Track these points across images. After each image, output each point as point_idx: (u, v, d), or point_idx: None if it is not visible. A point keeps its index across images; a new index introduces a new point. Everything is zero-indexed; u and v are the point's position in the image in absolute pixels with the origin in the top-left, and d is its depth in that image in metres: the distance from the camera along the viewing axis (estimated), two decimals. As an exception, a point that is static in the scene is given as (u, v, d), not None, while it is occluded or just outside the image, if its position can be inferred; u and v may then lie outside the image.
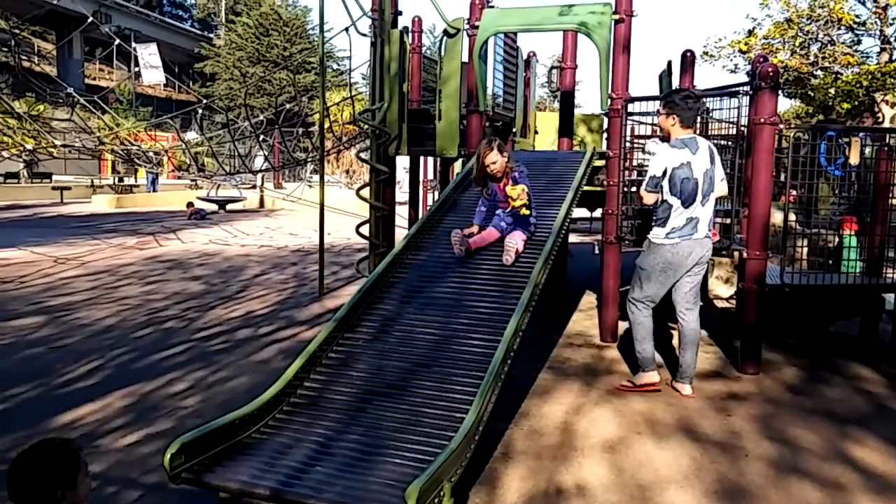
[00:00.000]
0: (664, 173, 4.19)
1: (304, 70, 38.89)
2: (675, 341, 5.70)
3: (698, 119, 4.39)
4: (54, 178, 24.54)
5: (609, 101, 5.67)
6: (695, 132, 4.36)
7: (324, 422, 3.20)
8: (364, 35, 7.15)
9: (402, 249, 4.61)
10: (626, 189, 5.39)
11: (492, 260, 4.42)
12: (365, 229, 7.10)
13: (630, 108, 5.45)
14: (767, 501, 3.08)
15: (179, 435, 2.74)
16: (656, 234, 4.32)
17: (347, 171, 27.23)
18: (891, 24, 20.09)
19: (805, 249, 5.62)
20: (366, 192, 7.07)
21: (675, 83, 7.19)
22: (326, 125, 10.97)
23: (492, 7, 6.32)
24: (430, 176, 14.74)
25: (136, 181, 25.39)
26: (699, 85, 7.10)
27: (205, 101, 16.07)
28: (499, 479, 3.21)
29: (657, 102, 5.58)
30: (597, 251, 4.85)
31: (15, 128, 11.93)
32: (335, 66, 39.48)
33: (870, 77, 18.74)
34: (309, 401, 3.38)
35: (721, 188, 4.36)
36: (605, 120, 6.01)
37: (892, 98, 19.31)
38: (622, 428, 3.84)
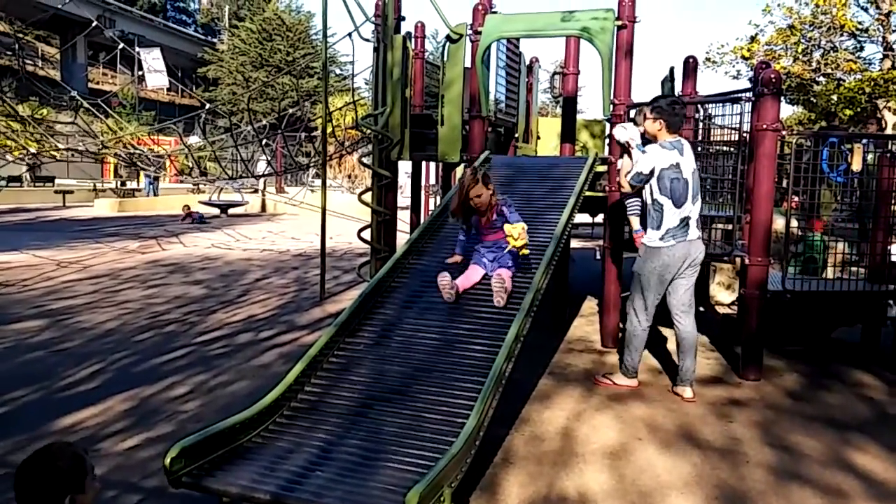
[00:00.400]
0: (652, 172, 4.27)
1: (307, 75, 38.98)
2: (670, 345, 5.70)
3: (682, 124, 4.45)
4: (57, 181, 24.57)
5: (611, 106, 5.68)
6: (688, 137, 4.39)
7: (324, 426, 3.19)
8: (367, 40, 7.17)
9: (404, 254, 4.61)
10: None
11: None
12: (367, 234, 7.11)
13: (632, 114, 5.45)
14: (769, 508, 3.07)
15: (180, 439, 2.74)
16: (651, 237, 4.35)
17: (349, 176, 27.26)
18: (893, 31, 20.09)
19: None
20: (368, 197, 7.08)
21: (678, 89, 7.20)
22: (329, 130, 10.98)
23: (495, 13, 6.34)
24: (432, 181, 14.76)
25: (138, 185, 25.44)
26: (701, 91, 7.10)
27: (208, 106, 16.10)
28: (499, 484, 3.21)
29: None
30: (598, 257, 4.84)
31: (18, 131, 11.97)
32: (338, 71, 39.56)
33: (872, 84, 18.74)
34: (310, 405, 3.38)
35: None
36: (608, 126, 6.02)
37: (894, 105, 19.30)
38: (623, 434, 3.83)
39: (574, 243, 8.05)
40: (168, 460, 2.64)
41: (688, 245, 4.30)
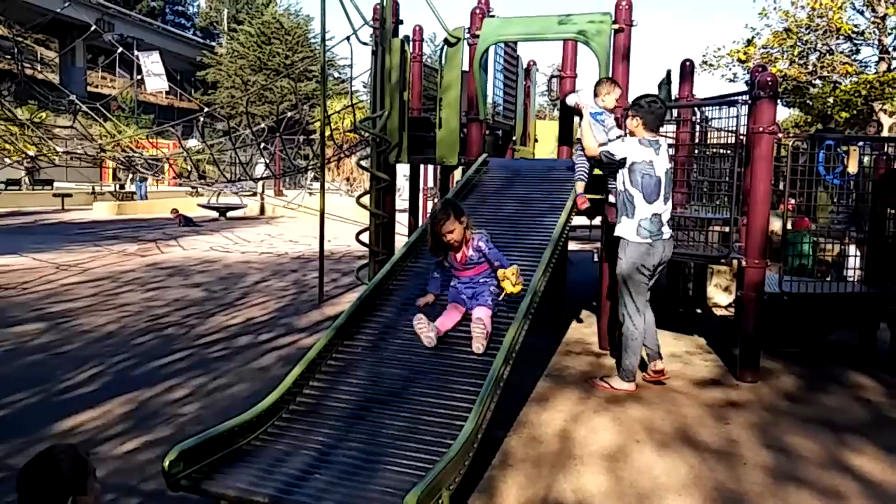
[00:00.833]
0: (623, 161, 4.43)
1: (306, 78, 38.99)
2: (667, 348, 5.71)
3: (661, 123, 4.61)
4: (56, 185, 24.57)
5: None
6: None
7: (323, 429, 3.20)
8: (365, 44, 7.19)
9: (402, 257, 4.62)
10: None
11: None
12: (365, 237, 7.12)
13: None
14: (765, 510, 3.09)
15: (179, 442, 2.75)
16: (626, 226, 4.46)
17: (348, 179, 27.27)
18: (889, 34, 20.15)
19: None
20: (366, 200, 7.09)
21: (675, 92, 7.22)
22: (327, 133, 11.00)
23: (492, 16, 6.36)
24: (430, 184, 14.77)
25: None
26: (698, 94, 7.13)
27: (206, 109, 16.10)
28: (497, 487, 3.22)
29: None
30: (596, 259, 4.86)
31: (17, 135, 11.98)
32: (336, 75, 39.58)
33: (868, 86, 18.78)
34: (308, 408, 3.39)
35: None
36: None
37: (890, 107, 19.34)
38: (621, 436, 3.84)
39: (572, 245, 8.07)
40: (167, 463, 2.64)
41: (664, 244, 4.49)
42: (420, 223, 7.13)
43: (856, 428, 4.05)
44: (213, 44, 50.82)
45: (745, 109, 4.90)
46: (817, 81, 20.77)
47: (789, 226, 5.67)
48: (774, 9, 21.06)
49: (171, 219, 16.64)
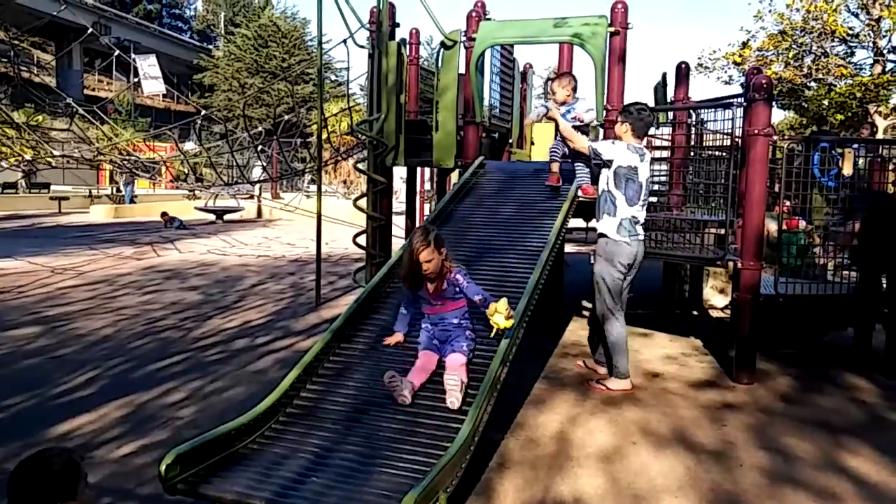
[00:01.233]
0: (609, 162, 4.56)
1: (303, 81, 39.00)
2: (662, 350, 5.73)
3: (648, 131, 4.78)
4: (52, 188, 24.53)
5: (604, 112, 5.72)
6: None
7: (320, 432, 3.20)
8: (362, 47, 7.20)
9: (399, 260, 4.62)
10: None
11: (487, 273, 4.44)
12: (362, 239, 7.12)
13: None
14: (761, 511, 3.10)
15: (175, 445, 2.75)
16: (608, 224, 4.58)
17: (345, 182, 27.26)
18: (884, 37, 20.23)
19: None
20: (363, 203, 7.10)
21: (671, 94, 7.25)
22: (324, 136, 11.00)
23: (488, 19, 6.38)
24: (427, 186, 14.79)
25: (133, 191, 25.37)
26: (694, 96, 7.16)
27: (203, 112, 16.10)
28: (494, 489, 3.22)
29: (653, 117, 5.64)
30: (592, 261, 4.88)
31: (14, 138, 11.95)
32: (333, 78, 39.60)
33: (863, 89, 18.85)
34: (305, 411, 3.39)
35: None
36: (601, 131, 6.06)
37: (885, 109, 19.41)
38: (617, 437, 3.85)
39: (568, 248, 8.07)
40: (163, 467, 2.64)
41: (639, 244, 4.64)
42: (417, 225, 7.12)
43: (851, 429, 4.07)
44: (210, 47, 50.83)
45: (740, 112, 4.92)
46: (812, 84, 20.84)
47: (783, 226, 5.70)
48: (769, 11, 21.15)
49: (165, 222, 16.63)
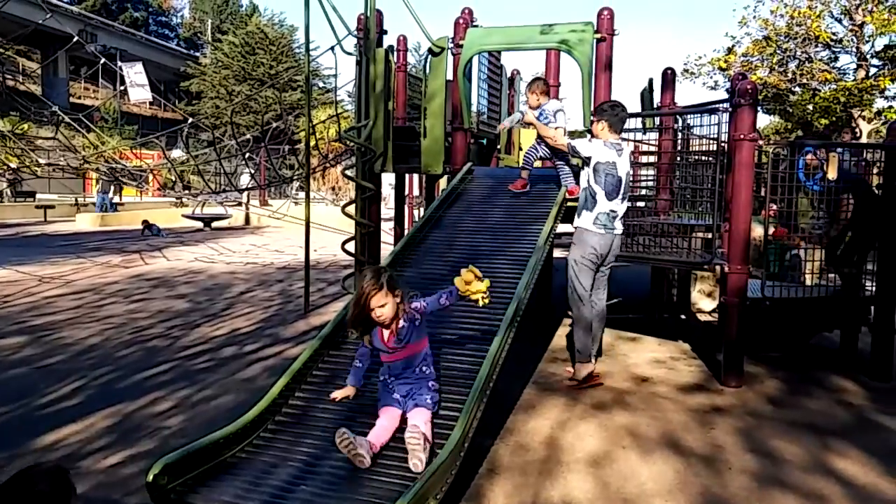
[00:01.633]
0: (588, 160, 4.70)
1: (291, 88, 38.98)
2: (651, 354, 5.75)
3: (623, 125, 4.91)
4: (38, 196, 24.33)
5: (591, 118, 5.75)
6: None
7: (309, 440, 3.19)
8: (350, 54, 7.21)
9: (388, 266, 4.62)
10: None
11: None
12: (351, 246, 7.11)
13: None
14: (751, 514, 3.11)
15: (163, 455, 2.73)
16: (585, 219, 4.72)
17: (333, 188, 27.24)
18: (867, 42, 20.50)
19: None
20: (351, 209, 7.09)
21: (657, 100, 7.30)
22: (312, 143, 10.99)
23: (476, 26, 6.40)
24: (416, 192, 14.79)
25: (120, 199, 25.23)
26: (680, 101, 7.21)
27: (191, 120, 16.04)
28: (485, 495, 3.22)
29: (638, 119, 5.71)
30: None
31: (-2, 147, 11.87)
32: (321, 84, 39.61)
33: (847, 93, 19.06)
34: (294, 419, 3.38)
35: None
36: (588, 136, 6.08)
37: (868, 114, 19.63)
38: (607, 442, 3.86)
39: (557, 253, 8.09)
40: (151, 477, 2.62)
41: (614, 237, 4.77)
42: (405, 232, 7.12)
43: (839, 431, 4.09)
44: (197, 54, 50.70)
45: (726, 117, 4.96)
46: (797, 89, 21.07)
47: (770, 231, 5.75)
48: (754, 17, 21.39)
49: (169, 230, 16.60)
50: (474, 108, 7.16)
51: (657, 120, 6.72)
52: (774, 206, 5.83)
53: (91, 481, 3.26)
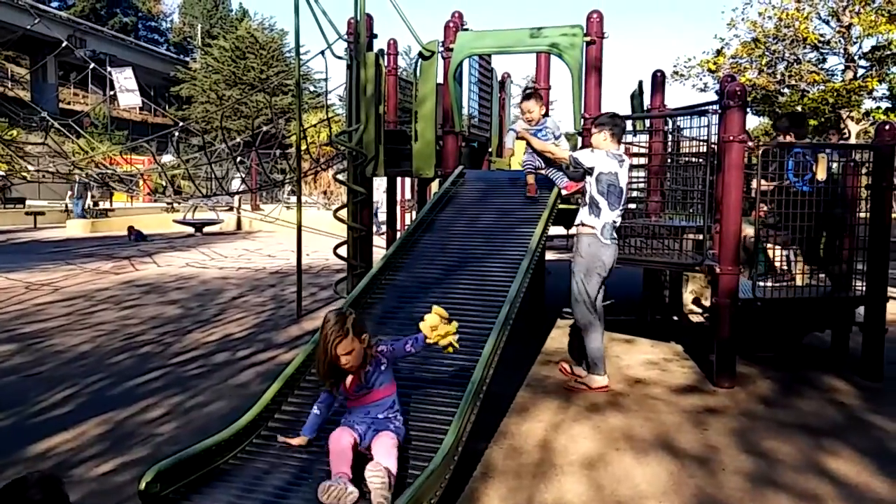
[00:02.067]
0: (591, 170, 4.70)
1: (281, 92, 38.93)
2: (644, 355, 5.76)
3: (623, 136, 4.97)
4: (28, 202, 24.21)
5: (582, 120, 5.77)
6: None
7: (302, 446, 3.17)
8: (340, 58, 7.21)
9: (380, 270, 4.62)
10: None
11: (468, 281, 4.45)
12: (343, 250, 7.10)
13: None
14: (744, 514, 3.12)
15: (155, 462, 2.71)
16: (592, 229, 4.69)
17: (325, 192, 27.21)
18: (854, 43, 20.66)
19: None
20: (343, 213, 7.09)
21: (647, 102, 7.33)
22: (303, 147, 10.98)
23: (466, 30, 6.41)
24: (408, 196, 14.80)
25: (111, 205, 25.13)
26: (670, 104, 7.24)
27: (181, 124, 16.00)
28: (479, 499, 3.21)
29: (629, 122, 5.73)
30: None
31: (-13, 153, 11.80)
32: (312, 89, 39.57)
33: (835, 94, 19.19)
34: (287, 425, 3.36)
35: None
36: (579, 139, 6.11)
37: (857, 115, 19.77)
38: (601, 444, 3.86)
39: (549, 255, 8.11)
40: (144, 484, 2.60)
41: (616, 249, 4.82)
42: (397, 236, 7.11)
43: (831, 431, 4.11)
44: (187, 59, 50.59)
45: (715, 119, 4.99)
46: (785, 90, 21.21)
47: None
48: (742, 19, 21.55)
49: (162, 236, 16.54)
50: (465, 112, 7.17)
51: (647, 122, 6.74)
52: (765, 207, 5.86)
53: (84, 489, 3.24)
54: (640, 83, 7.55)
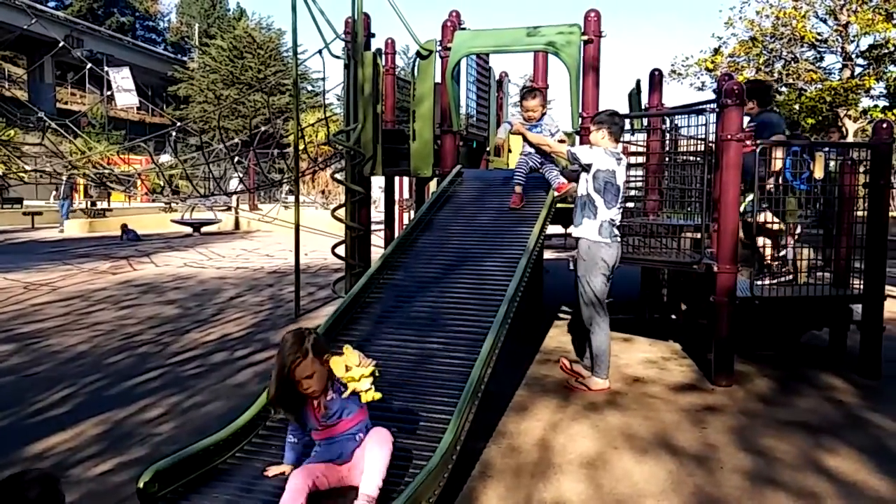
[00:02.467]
0: (589, 167, 4.66)
1: (279, 92, 38.88)
2: (641, 353, 5.77)
3: (622, 134, 4.93)
4: (25, 203, 24.17)
5: (580, 119, 5.77)
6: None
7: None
8: (338, 57, 7.20)
9: (378, 269, 4.62)
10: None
11: (466, 280, 4.45)
12: (341, 250, 7.10)
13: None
14: (743, 512, 3.12)
15: (153, 462, 2.71)
16: (590, 228, 4.68)
17: (323, 192, 27.20)
18: (852, 41, 20.68)
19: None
20: (341, 213, 7.08)
21: (645, 101, 7.33)
22: (301, 146, 10.96)
23: (463, 29, 6.41)
24: (406, 195, 14.79)
25: (108, 205, 25.09)
26: (668, 102, 7.25)
27: (179, 124, 15.97)
28: (477, 498, 3.21)
29: (627, 121, 5.73)
30: (572, 267, 4.94)
31: (-16, 153, 11.78)
32: (309, 88, 39.54)
33: (833, 93, 19.22)
34: (285, 424, 3.34)
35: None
36: (577, 138, 6.11)
37: (854, 113, 19.79)
38: (599, 443, 3.86)
39: (547, 254, 8.11)
40: (142, 484, 2.60)
41: (618, 246, 4.78)
42: (395, 235, 7.11)
43: (830, 429, 4.11)
44: (185, 59, 50.49)
45: (713, 117, 4.99)
46: (783, 88, 21.22)
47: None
48: (740, 18, 21.55)
49: (160, 236, 16.53)
50: (463, 111, 7.17)
51: (645, 121, 6.74)
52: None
53: (81, 489, 3.23)
54: (638, 82, 7.56)
